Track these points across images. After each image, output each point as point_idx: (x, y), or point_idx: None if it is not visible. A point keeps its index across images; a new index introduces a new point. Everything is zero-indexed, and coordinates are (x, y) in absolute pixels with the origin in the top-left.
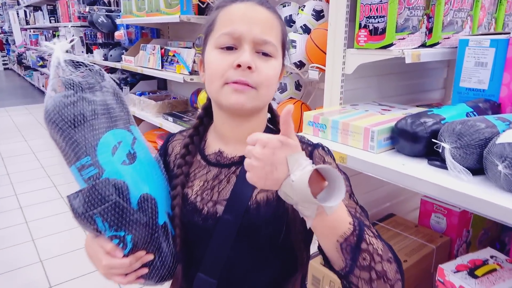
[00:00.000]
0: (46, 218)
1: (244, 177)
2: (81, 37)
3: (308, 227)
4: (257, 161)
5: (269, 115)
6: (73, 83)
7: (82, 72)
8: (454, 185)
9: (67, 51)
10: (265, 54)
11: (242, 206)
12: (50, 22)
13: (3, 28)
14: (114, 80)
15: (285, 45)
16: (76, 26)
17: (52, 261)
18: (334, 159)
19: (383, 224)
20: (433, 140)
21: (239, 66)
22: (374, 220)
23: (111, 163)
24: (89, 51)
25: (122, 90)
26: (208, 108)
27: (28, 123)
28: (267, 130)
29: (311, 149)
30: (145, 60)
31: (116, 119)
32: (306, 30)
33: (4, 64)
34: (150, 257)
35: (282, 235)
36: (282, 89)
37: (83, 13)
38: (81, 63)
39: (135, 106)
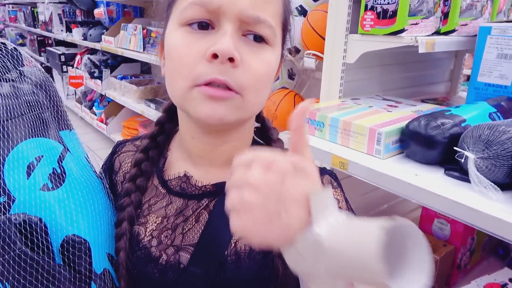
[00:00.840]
0: None
1: (220, 214)
2: (59, 15)
3: None
4: (254, 194)
5: (257, 125)
6: None
7: None
8: (480, 204)
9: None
10: (257, 39)
11: (216, 256)
12: None
13: None
14: (93, 62)
15: (287, 27)
16: (54, 2)
17: None
18: (343, 193)
19: None
20: (454, 148)
21: (215, 56)
22: None
23: (25, 189)
24: (68, 29)
25: (102, 73)
26: (172, 110)
27: None
28: (254, 146)
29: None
30: (126, 41)
31: (37, 124)
32: (302, 11)
33: None
34: None
35: None
36: None
37: None
38: None
39: (116, 91)
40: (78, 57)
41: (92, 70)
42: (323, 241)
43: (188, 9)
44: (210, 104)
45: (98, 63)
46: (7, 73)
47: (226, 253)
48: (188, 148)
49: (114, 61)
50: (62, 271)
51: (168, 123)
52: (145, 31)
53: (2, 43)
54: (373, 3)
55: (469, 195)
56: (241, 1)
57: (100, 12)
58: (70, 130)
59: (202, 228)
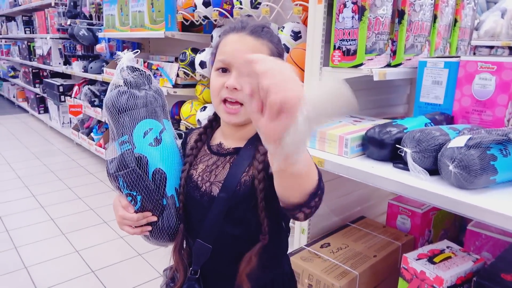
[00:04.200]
0: (27, 227)
1: (237, 164)
2: (59, 49)
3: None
4: (269, 74)
5: None
6: (126, 82)
7: (136, 75)
8: (415, 183)
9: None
10: None
11: (233, 187)
12: (25, 33)
13: None
14: (93, 92)
15: None
16: (55, 38)
17: (37, 267)
18: None
19: (355, 225)
20: (397, 146)
21: (227, 87)
22: (347, 222)
23: (141, 142)
24: (67, 62)
25: (102, 102)
26: (216, 114)
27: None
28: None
29: None
30: None
31: (153, 112)
32: (285, 49)
33: None
34: (154, 218)
35: (252, 207)
36: None
37: (63, 26)
38: (137, 69)
39: None
40: (76, 88)
41: (92, 99)
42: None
43: (217, 64)
44: (228, 116)
45: (98, 93)
46: (144, 85)
47: (237, 185)
48: (223, 129)
49: None
50: (151, 184)
51: (214, 121)
52: (146, 64)
53: (143, 71)
54: (339, 44)
55: (408, 178)
56: (239, 58)
57: (101, 47)
58: (168, 120)
59: (226, 172)
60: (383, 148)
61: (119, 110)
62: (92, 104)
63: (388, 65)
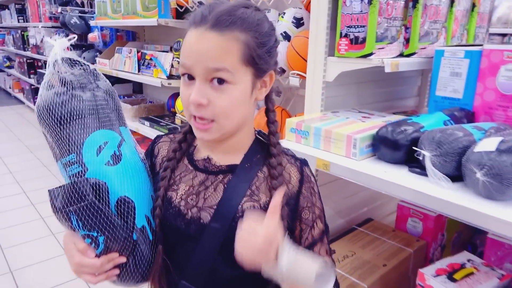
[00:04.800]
0: (16, 226)
1: (234, 186)
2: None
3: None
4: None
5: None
6: (65, 81)
7: (77, 71)
8: (435, 191)
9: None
10: (220, 82)
11: (230, 215)
12: (19, 22)
13: None
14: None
15: (256, 61)
16: (47, 27)
17: (24, 271)
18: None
19: (362, 229)
20: (413, 148)
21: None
22: (353, 225)
23: (95, 163)
24: None
25: None
26: None
27: None
28: (256, 143)
29: (299, 165)
30: (121, 63)
31: (106, 120)
32: (286, 37)
33: None
34: (123, 259)
35: None
36: None
37: (54, 14)
38: (77, 62)
39: None
40: None
41: None
42: (283, 270)
43: (180, 67)
44: (200, 132)
45: None
46: (90, 84)
47: (236, 213)
48: (206, 142)
49: None
50: (116, 219)
51: None
52: (139, 53)
53: (86, 65)
54: (346, 31)
55: (427, 185)
56: (203, 62)
57: (94, 36)
58: (125, 127)
59: (219, 195)
60: (397, 149)
61: (59, 119)
62: None
63: (401, 55)
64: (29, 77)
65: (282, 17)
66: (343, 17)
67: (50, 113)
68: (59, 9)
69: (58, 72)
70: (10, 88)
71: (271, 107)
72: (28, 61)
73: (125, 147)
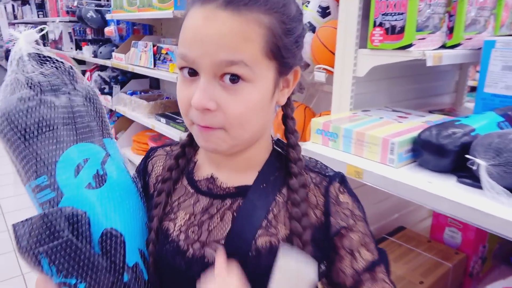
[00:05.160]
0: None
1: (246, 215)
2: (69, 33)
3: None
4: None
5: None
6: (32, 83)
7: (47, 70)
8: (493, 209)
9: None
10: (234, 80)
11: (241, 254)
12: (38, 17)
13: None
14: (103, 79)
15: (283, 49)
16: (65, 22)
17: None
18: (353, 196)
19: (394, 239)
20: (466, 156)
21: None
22: (384, 234)
23: (73, 186)
24: (78, 47)
25: (112, 89)
26: None
27: None
28: (274, 156)
29: (326, 184)
30: (137, 58)
31: (85, 131)
32: (311, 28)
33: None
34: None
35: None
36: None
37: (71, 8)
38: (48, 58)
39: (126, 106)
40: (87, 74)
41: (102, 86)
42: None
43: (177, 59)
44: (203, 139)
45: (108, 80)
46: (65, 86)
47: (249, 250)
48: (210, 156)
49: (124, 77)
50: (100, 260)
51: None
52: (155, 48)
53: (60, 62)
54: (381, 20)
55: (482, 200)
56: (211, 52)
57: (110, 30)
58: (112, 138)
59: (227, 227)
60: (444, 156)
61: (24, 132)
62: (102, 91)
63: (443, 46)
64: None
65: (306, 6)
66: (377, 4)
67: (12, 124)
68: (75, 3)
69: (23, 71)
70: None
71: (290, 113)
72: None
73: (111, 164)
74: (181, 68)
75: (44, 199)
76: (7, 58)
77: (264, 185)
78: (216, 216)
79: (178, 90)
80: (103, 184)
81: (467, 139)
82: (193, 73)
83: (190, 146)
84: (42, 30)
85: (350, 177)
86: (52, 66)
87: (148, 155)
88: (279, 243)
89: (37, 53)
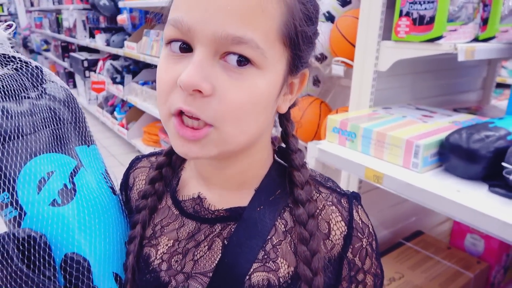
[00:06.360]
0: None
1: (238, 244)
2: (83, 21)
3: None
4: None
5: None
6: None
7: (8, 71)
8: None
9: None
10: (241, 62)
11: None
12: (54, 4)
13: (10, 10)
14: (115, 68)
15: (301, 37)
16: (79, 9)
17: None
18: (368, 227)
19: (411, 244)
20: (502, 164)
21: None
22: (400, 239)
23: (35, 203)
24: (91, 35)
25: (124, 79)
26: None
27: None
28: (274, 170)
29: (347, 208)
30: (148, 47)
31: (53, 139)
32: (330, 17)
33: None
34: None
35: None
36: None
37: None
38: (13, 59)
39: (137, 96)
40: (100, 63)
41: (114, 76)
42: None
43: (167, 28)
44: (182, 142)
45: (120, 69)
46: (26, 91)
47: (242, 285)
48: (198, 169)
49: (135, 67)
50: None
51: None
52: None
53: (24, 62)
54: (408, 9)
55: None
56: (215, 20)
57: (123, 18)
58: (89, 145)
59: (216, 257)
60: (474, 162)
61: None
62: (113, 81)
63: (476, 39)
64: (63, 61)
65: None
66: None
67: None
68: None
69: None
70: None
71: (290, 130)
72: (62, 44)
73: (83, 176)
74: (169, 42)
75: (8, 217)
76: (24, 46)
77: (261, 207)
78: (204, 244)
79: (159, 69)
80: (70, 200)
81: (502, 144)
82: (186, 48)
83: (176, 154)
84: (10, 26)
85: (369, 181)
86: (16, 66)
87: (131, 166)
88: (278, 282)
89: (3, 54)
